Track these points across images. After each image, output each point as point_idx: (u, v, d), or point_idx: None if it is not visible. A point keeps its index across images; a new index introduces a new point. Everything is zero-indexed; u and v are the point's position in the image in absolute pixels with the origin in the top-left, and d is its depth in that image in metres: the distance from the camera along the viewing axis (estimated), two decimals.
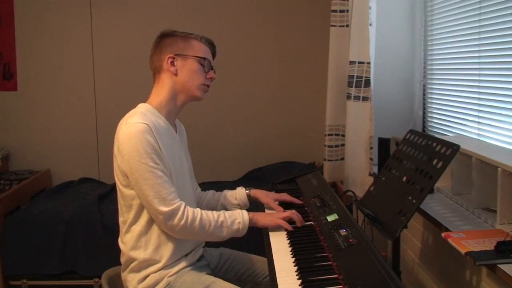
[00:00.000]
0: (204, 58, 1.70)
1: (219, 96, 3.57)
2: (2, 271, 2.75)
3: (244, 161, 3.66)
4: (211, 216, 1.61)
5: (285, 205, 1.90)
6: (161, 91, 1.68)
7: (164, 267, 1.62)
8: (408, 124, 2.70)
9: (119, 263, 1.73)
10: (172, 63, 1.66)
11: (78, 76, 3.61)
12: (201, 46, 1.72)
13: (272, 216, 1.72)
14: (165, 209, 1.53)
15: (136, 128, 1.53)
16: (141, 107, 1.65)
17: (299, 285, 1.30)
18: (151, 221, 1.61)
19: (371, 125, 2.30)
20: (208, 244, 1.82)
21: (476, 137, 2.12)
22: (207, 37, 1.75)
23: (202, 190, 1.96)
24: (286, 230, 1.68)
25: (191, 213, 1.57)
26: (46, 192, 3.30)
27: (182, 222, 1.55)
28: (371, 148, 2.31)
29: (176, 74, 1.67)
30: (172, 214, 1.54)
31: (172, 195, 1.55)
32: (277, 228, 1.70)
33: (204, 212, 1.61)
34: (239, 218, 1.65)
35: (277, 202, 1.90)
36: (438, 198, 2.01)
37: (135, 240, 1.62)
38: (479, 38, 2.07)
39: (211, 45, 1.76)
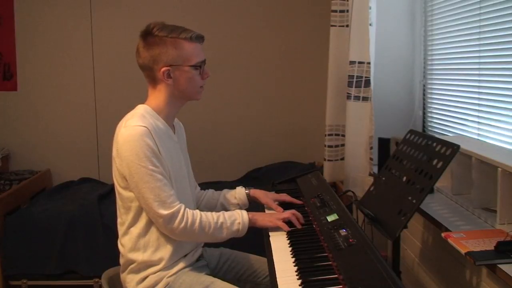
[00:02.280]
0: (199, 66, 1.65)
1: (219, 96, 3.57)
2: (2, 271, 2.75)
3: (244, 161, 3.66)
4: (211, 217, 1.61)
5: (285, 205, 1.90)
6: (159, 96, 1.65)
7: (163, 268, 1.62)
8: (408, 124, 2.70)
9: (119, 263, 1.73)
10: (169, 75, 1.61)
11: (78, 76, 3.61)
12: (192, 47, 1.63)
13: (271, 216, 1.72)
14: (164, 212, 1.53)
15: (135, 131, 1.53)
16: (140, 108, 1.64)
17: (299, 285, 1.30)
18: (149, 223, 1.60)
19: (371, 125, 2.30)
20: (208, 244, 1.82)
21: (476, 137, 2.12)
22: (196, 33, 1.64)
23: (201, 189, 1.96)
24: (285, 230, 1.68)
25: (191, 216, 1.57)
26: (46, 192, 3.29)
27: (182, 224, 1.55)
28: (371, 148, 2.31)
29: (173, 85, 1.63)
30: (172, 217, 1.54)
31: (171, 198, 1.55)
32: (277, 228, 1.70)
33: (203, 213, 1.61)
34: (238, 218, 1.65)
35: (276, 203, 1.90)
36: (438, 198, 2.01)
37: (134, 242, 1.62)
38: (479, 38, 2.07)
39: (201, 39, 1.67)
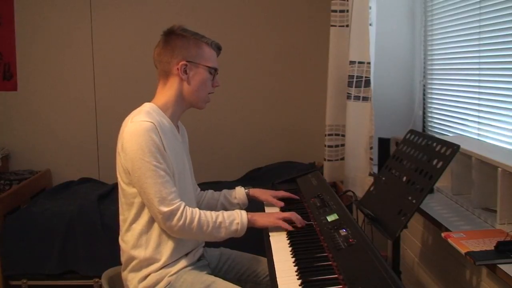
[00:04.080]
0: (215, 69, 1.71)
1: (219, 96, 3.53)
2: (2, 271, 2.75)
3: (244, 161, 3.66)
4: (210, 216, 1.62)
5: (284, 206, 1.90)
6: (168, 93, 1.68)
7: (164, 266, 1.62)
8: (408, 124, 2.70)
9: (119, 263, 1.73)
10: (185, 71, 1.66)
11: (78, 76, 3.60)
12: (211, 53, 1.72)
13: (271, 216, 1.72)
14: (164, 209, 1.54)
15: (142, 126, 1.54)
16: (147, 106, 1.66)
17: (299, 285, 1.30)
18: (152, 220, 1.61)
19: (371, 125, 2.30)
20: (208, 244, 1.82)
21: (476, 137, 2.12)
22: (216, 42, 1.74)
23: (201, 190, 1.96)
24: (286, 230, 1.68)
25: (190, 214, 1.58)
26: (46, 192, 3.29)
27: (181, 222, 1.55)
28: (371, 148, 2.31)
29: (186, 81, 1.67)
30: (171, 214, 1.55)
31: (172, 195, 1.55)
32: (277, 228, 1.70)
33: (202, 212, 1.62)
34: (237, 218, 1.65)
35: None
36: (438, 198, 2.01)
37: (136, 238, 1.62)
38: (479, 38, 2.07)
39: (219, 50, 1.76)
